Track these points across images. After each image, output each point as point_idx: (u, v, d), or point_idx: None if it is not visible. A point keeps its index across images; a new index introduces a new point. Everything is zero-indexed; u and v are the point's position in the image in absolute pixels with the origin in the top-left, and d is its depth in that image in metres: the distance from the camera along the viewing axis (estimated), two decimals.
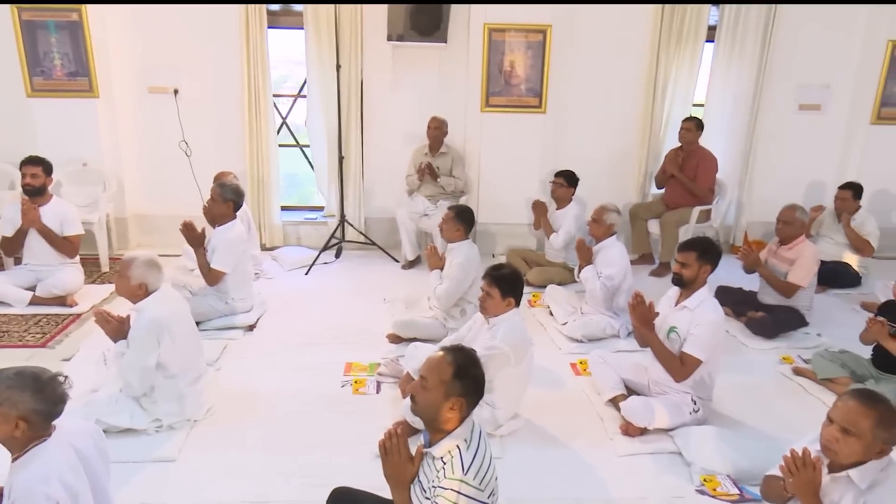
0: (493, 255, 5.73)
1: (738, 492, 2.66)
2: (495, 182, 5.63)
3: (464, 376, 1.90)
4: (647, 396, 3.21)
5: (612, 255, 4.17)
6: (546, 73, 5.49)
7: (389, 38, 5.31)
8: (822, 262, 4.52)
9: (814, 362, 3.71)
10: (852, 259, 5.24)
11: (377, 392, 3.45)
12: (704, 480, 2.72)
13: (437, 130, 5.34)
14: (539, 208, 5.16)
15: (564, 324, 4.23)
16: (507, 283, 2.98)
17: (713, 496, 2.64)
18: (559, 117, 5.66)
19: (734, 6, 5.50)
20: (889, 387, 3.31)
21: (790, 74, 5.74)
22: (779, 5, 5.48)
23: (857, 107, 5.83)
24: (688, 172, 5.38)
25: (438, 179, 5.31)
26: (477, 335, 3.10)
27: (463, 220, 3.97)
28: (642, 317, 3.08)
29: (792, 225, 4.24)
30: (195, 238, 3.98)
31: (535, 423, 3.19)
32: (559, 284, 4.84)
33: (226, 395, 3.33)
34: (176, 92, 5.41)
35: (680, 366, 3.01)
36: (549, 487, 2.75)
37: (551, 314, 4.47)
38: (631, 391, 3.33)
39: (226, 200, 4.05)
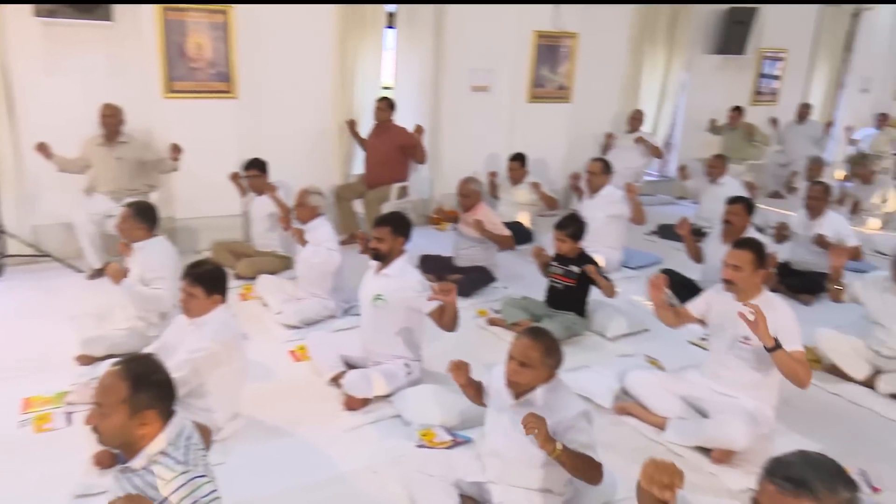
0: (197, 252, 5.36)
1: (452, 438, 2.94)
2: (190, 173, 5.25)
3: (145, 386, 1.74)
4: (366, 368, 3.35)
5: (324, 232, 4.20)
6: (233, 57, 5.26)
7: (39, 14, 4.55)
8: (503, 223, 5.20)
9: (503, 311, 4.26)
10: (525, 218, 6.10)
11: (69, 424, 3.00)
12: (422, 435, 2.95)
13: (112, 118, 4.76)
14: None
15: (279, 312, 4.17)
16: (210, 280, 2.82)
17: (431, 447, 2.87)
18: (253, 102, 5.48)
19: None
20: (558, 320, 3.97)
21: (462, 59, 6.40)
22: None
23: (515, 88, 6.76)
24: (387, 146, 5.67)
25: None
26: (182, 338, 2.89)
27: (144, 217, 3.61)
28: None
29: (469, 197, 4.79)
30: None
31: (257, 418, 3.10)
32: (271, 273, 4.74)
33: None
34: None
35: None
36: (278, 480, 2.71)
37: (265, 305, 4.37)
38: (351, 367, 3.44)
39: None
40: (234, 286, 4.52)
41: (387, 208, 5.57)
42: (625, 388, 3.33)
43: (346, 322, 4.15)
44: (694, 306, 3.23)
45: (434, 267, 4.91)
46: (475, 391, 2.63)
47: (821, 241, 4.78)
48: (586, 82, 7.19)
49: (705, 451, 2.90)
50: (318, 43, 5.72)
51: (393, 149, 5.71)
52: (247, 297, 4.56)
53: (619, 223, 5.31)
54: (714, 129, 8.27)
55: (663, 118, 7.92)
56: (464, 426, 3.05)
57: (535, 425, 2.10)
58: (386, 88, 6.24)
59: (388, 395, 3.24)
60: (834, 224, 4.94)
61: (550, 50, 6.79)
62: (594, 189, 5.36)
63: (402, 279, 3.27)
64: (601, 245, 5.24)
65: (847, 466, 2.84)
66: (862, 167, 7.32)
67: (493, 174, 6.29)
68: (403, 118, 6.00)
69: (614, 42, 7.37)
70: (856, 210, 6.98)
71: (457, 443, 2.91)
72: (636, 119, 7.29)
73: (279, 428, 3.06)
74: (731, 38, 7.96)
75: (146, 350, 2.96)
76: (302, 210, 4.27)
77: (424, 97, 6.26)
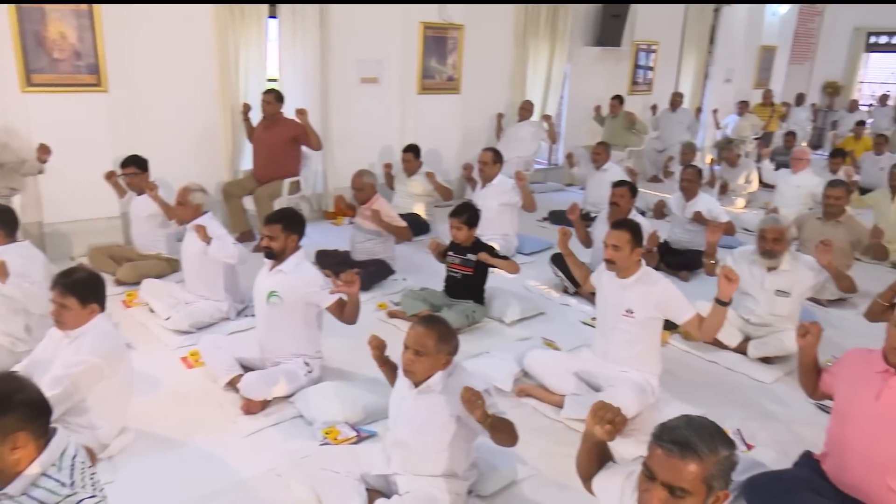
0: (72, 259, 4.97)
1: (356, 433, 2.91)
2: (58, 174, 4.83)
3: (10, 408, 1.60)
4: (264, 370, 3.24)
5: (215, 228, 3.99)
6: (101, 48, 4.89)
7: None
8: (399, 215, 5.19)
9: (402, 303, 4.25)
10: (421, 209, 6.13)
11: None
12: (326, 433, 2.90)
13: None
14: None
15: (168, 318, 3.94)
16: (83, 289, 2.60)
17: (336, 444, 2.83)
18: (127, 96, 5.14)
19: None
20: (458, 309, 4.03)
21: (350, 51, 6.30)
22: None
23: (405, 79, 6.75)
24: (276, 139, 5.50)
25: None
26: (57, 353, 2.66)
27: (1, 221, 3.30)
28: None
29: (363, 190, 4.74)
30: None
31: (148, 431, 2.92)
32: (156, 277, 4.47)
33: None
34: None
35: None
36: (175, 492, 2.57)
37: (152, 311, 4.12)
38: (249, 369, 3.32)
39: None
40: (115, 293, 4.23)
41: (279, 204, 5.41)
42: (524, 369, 3.43)
43: (241, 323, 4.00)
44: (593, 278, 3.43)
45: (331, 262, 4.83)
46: (390, 371, 2.65)
47: (698, 218, 5.16)
48: (474, 74, 7.31)
49: None
50: (196, 33, 5.44)
51: (283, 142, 5.55)
52: (131, 303, 4.28)
53: (512, 211, 5.45)
54: (598, 118, 8.68)
55: (550, 108, 8.19)
56: (368, 420, 3.03)
57: (475, 397, 2.12)
58: (272, 81, 6.04)
59: (288, 396, 3.16)
60: (706, 204, 5.34)
61: (438, 41, 6.84)
62: (487, 178, 5.46)
63: (298, 275, 3.20)
64: (495, 233, 5.36)
65: (725, 428, 3.09)
66: (728, 151, 7.93)
67: (387, 166, 6.27)
68: (292, 112, 5.83)
69: (499, 34, 7.54)
70: (724, 191, 7.56)
71: (361, 437, 2.89)
72: (525, 109, 7.49)
73: (174, 439, 2.90)
74: (608, 32, 8.37)
75: (15, 368, 2.72)
76: (183, 209, 4.06)
77: (312, 89, 6.12)
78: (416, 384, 2.37)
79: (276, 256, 3.21)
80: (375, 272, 4.73)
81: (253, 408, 3.06)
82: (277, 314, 3.21)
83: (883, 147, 8.33)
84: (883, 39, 12.88)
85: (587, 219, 5.67)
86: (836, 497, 2.33)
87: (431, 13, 6.69)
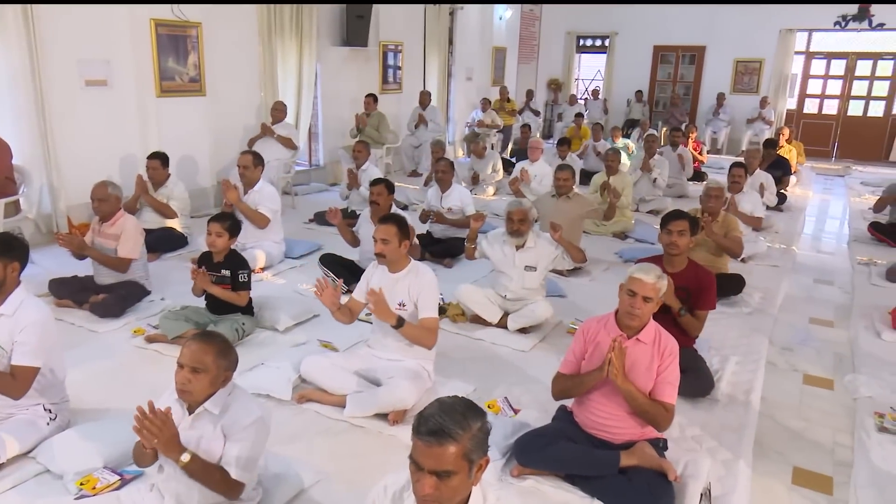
0: None
1: (119, 476, 2.60)
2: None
3: None
4: None
5: None
6: None
7: None
8: (149, 231, 4.74)
9: (161, 325, 3.89)
10: (175, 223, 5.65)
11: None
12: (81, 484, 2.55)
13: None
14: None
15: None
16: None
17: (94, 494, 2.50)
18: None
19: None
20: (226, 323, 3.81)
21: (66, 49, 5.55)
22: None
23: (141, 81, 6.15)
24: None
25: None
26: None
27: None
28: None
29: (107, 201, 4.23)
30: None
31: None
32: None
33: None
34: None
35: (12, 382, 2.61)
36: None
37: None
38: None
39: None
40: None
41: None
42: (302, 375, 3.36)
43: None
44: (358, 291, 3.43)
45: (70, 290, 4.26)
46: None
47: (439, 219, 5.57)
48: (221, 74, 6.92)
49: (384, 416, 3.12)
50: None
51: None
52: None
53: (276, 216, 5.28)
54: (357, 130, 8.60)
55: (304, 107, 8.09)
56: (131, 461, 2.72)
57: None
58: None
59: (27, 453, 2.71)
60: (459, 194, 5.73)
61: (174, 40, 6.34)
62: (248, 184, 5.21)
63: (21, 318, 2.64)
64: (262, 239, 5.17)
65: (493, 397, 3.35)
66: (475, 144, 8.60)
67: (141, 177, 5.60)
68: None
69: (243, 33, 7.21)
70: (476, 181, 8.18)
71: (126, 480, 2.59)
72: (278, 110, 7.30)
73: None
74: (355, 32, 8.50)
75: None
76: None
77: (22, 94, 5.26)
78: (191, 409, 2.19)
79: None
80: (126, 295, 4.25)
81: None
82: (4, 367, 2.69)
83: (599, 135, 9.69)
84: (589, 42, 14.96)
85: (353, 217, 5.73)
86: (587, 440, 2.68)
87: (164, 10, 6.18)
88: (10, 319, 2.65)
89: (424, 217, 5.82)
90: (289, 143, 7.26)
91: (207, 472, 2.13)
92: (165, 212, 5.45)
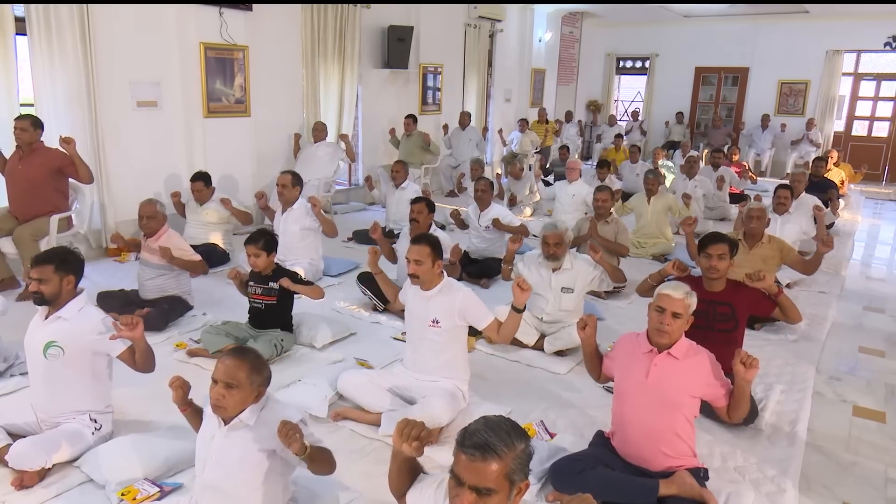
0: None
1: (159, 489, 2.65)
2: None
3: None
4: (39, 434, 2.82)
5: None
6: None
7: None
8: (193, 247, 4.84)
9: (203, 340, 3.97)
10: (218, 238, 5.79)
11: None
12: (122, 495, 2.60)
13: None
14: None
15: None
16: None
17: None
18: None
19: None
20: (265, 339, 3.87)
21: (120, 71, 5.78)
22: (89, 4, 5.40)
23: (189, 102, 6.36)
24: (36, 171, 4.83)
25: None
26: None
27: None
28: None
29: (155, 218, 4.37)
30: None
31: None
32: None
33: None
34: None
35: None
36: None
37: None
38: (21, 436, 2.86)
39: None
40: None
41: (47, 244, 4.77)
42: (338, 392, 3.38)
43: (6, 385, 3.45)
44: (401, 294, 3.50)
45: (117, 304, 4.37)
46: (194, 414, 2.47)
47: (497, 225, 5.55)
48: (264, 96, 7.11)
49: None
50: None
51: (44, 174, 4.88)
52: None
53: (315, 234, 5.36)
54: (394, 140, 8.91)
55: (345, 128, 8.24)
56: (172, 472, 2.78)
57: (292, 431, 2.02)
58: (26, 106, 5.33)
59: (73, 460, 2.78)
60: (498, 213, 5.73)
61: (221, 63, 6.55)
62: (287, 203, 5.32)
63: (82, 321, 2.82)
64: (301, 257, 5.25)
65: (529, 420, 3.31)
66: (513, 165, 8.61)
67: (175, 195, 5.80)
68: (53, 139, 5.18)
69: (287, 56, 7.42)
70: (513, 202, 8.17)
71: (165, 492, 2.64)
72: (319, 130, 7.44)
73: None
74: (395, 54, 8.65)
75: None
76: None
77: (77, 114, 5.49)
78: (226, 421, 2.22)
79: (49, 301, 2.81)
80: (169, 310, 4.36)
81: (28, 480, 2.65)
82: (57, 368, 2.80)
83: (637, 156, 9.60)
84: (629, 63, 14.90)
85: (391, 236, 5.78)
86: (624, 467, 2.63)
87: (213, 33, 6.39)
88: (71, 323, 2.81)
89: (455, 217, 5.89)
90: (350, 154, 7.80)
91: (321, 451, 2.18)
92: (242, 219, 5.80)
